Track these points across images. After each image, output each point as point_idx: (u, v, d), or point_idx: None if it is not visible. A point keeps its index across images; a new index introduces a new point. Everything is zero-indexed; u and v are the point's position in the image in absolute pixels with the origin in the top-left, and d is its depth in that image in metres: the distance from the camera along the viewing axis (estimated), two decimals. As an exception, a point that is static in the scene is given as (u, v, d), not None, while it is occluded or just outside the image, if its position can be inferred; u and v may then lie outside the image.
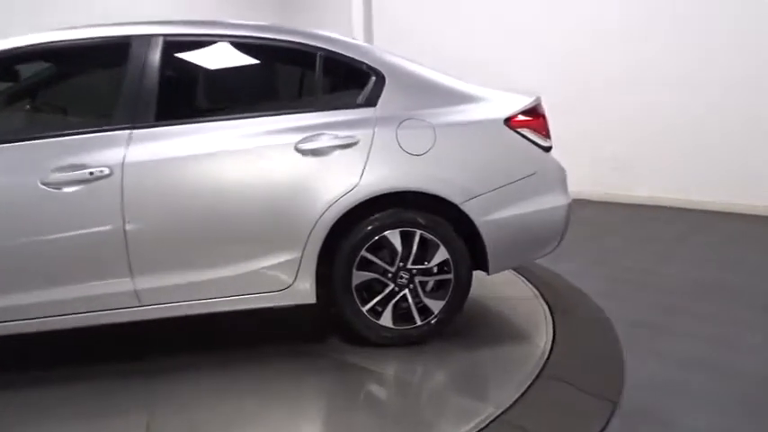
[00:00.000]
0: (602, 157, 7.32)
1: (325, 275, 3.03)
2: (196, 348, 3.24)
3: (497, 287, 3.98)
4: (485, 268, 3.17)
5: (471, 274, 3.16)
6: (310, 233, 2.88)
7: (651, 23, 6.90)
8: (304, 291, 2.95)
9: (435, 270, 3.12)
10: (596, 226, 6.04)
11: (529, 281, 4.15)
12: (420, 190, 2.95)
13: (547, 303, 3.78)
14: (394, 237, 3.01)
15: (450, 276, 3.11)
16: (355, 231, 2.98)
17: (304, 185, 2.86)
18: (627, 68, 7.09)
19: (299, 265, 2.91)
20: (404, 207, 3.03)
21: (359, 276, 3.02)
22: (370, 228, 2.98)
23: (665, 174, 7.00)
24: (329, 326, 3.44)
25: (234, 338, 3.39)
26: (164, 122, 2.82)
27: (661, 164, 7.02)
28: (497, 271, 3.19)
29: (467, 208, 3.00)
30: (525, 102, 3.17)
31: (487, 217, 3.04)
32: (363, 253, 2.99)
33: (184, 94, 3.10)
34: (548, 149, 3.19)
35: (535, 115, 3.18)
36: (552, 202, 3.18)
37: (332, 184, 2.88)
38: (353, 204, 2.89)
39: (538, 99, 3.24)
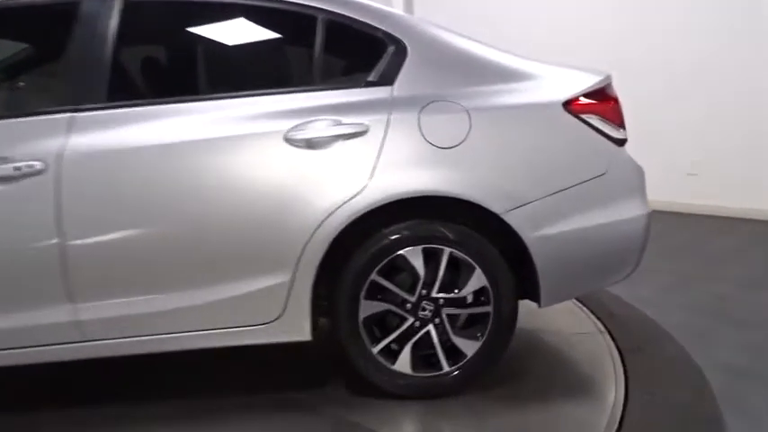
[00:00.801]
0: (677, 161, 6.35)
1: (323, 305, 2.34)
2: (163, 395, 2.58)
3: (549, 318, 3.20)
4: (535, 298, 2.41)
5: (517, 306, 2.41)
6: (303, 250, 2.18)
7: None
8: (295, 325, 2.26)
9: (469, 300, 2.38)
10: (671, 242, 5.16)
11: (591, 310, 3.34)
12: (449, 195, 2.22)
13: (614, 341, 2.98)
14: (414, 256, 2.28)
15: (489, 309, 2.36)
16: (363, 248, 2.27)
17: (296, 187, 2.18)
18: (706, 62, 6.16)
19: (289, 292, 2.22)
20: (428, 217, 2.31)
21: (368, 307, 2.31)
22: (383, 244, 2.26)
23: (753, 182, 6.00)
24: (330, 369, 2.73)
25: (211, 382, 2.71)
26: (116, 104, 2.18)
27: (749, 171, 6.02)
28: (552, 303, 2.43)
29: (512, 219, 2.26)
30: (591, 80, 2.41)
31: (540, 231, 2.28)
32: (374, 277, 2.28)
33: (145, 68, 2.45)
34: (621, 143, 2.41)
35: (604, 98, 2.41)
36: (627, 211, 2.40)
37: (332, 186, 2.19)
38: (361, 213, 2.19)
39: (608, 78, 2.47)
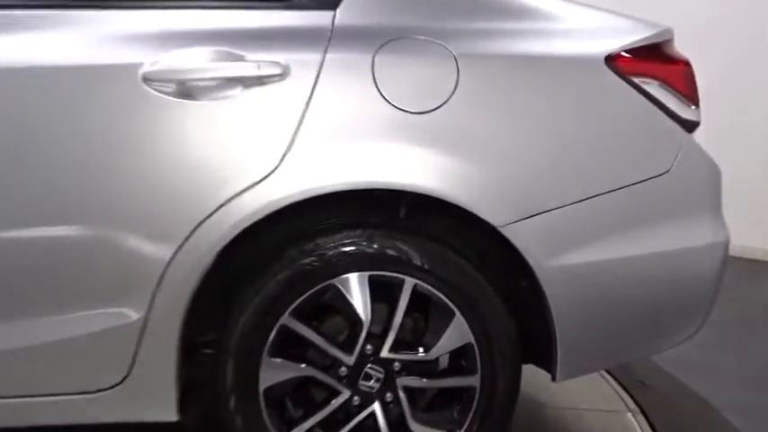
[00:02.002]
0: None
1: (203, 361, 1.44)
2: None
3: (559, 386, 2.26)
4: (548, 366, 1.51)
5: (519, 379, 1.50)
6: (166, 269, 1.29)
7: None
8: (151, 394, 1.36)
9: (442, 366, 1.48)
10: (735, 293, 4.19)
11: (615, 377, 2.41)
12: (417, 191, 1.34)
13: (650, 425, 2.07)
14: (355, 290, 1.38)
15: (475, 381, 1.45)
16: (270, 272, 1.37)
17: (154, 162, 1.29)
18: None
19: (141, 338, 1.31)
20: (380, 226, 1.42)
21: (275, 371, 1.40)
22: (302, 266, 1.36)
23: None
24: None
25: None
26: None
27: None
28: (574, 375, 1.54)
29: (517, 236, 1.37)
30: (647, 30, 1.54)
31: (560, 259, 1.40)
32: (286, 320, 1.37)
33: None
34: (691, 126, 1.54)
35: (667, 59, 1.55)
36: (696, 235, 1.52)
37: (219, 165, 1.30)
38: (265, 213, 1.30)
39: (668, 31, 1.60)
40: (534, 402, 2.14)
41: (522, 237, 1.38)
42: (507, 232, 1.37)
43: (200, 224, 1.29)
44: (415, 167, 1.35)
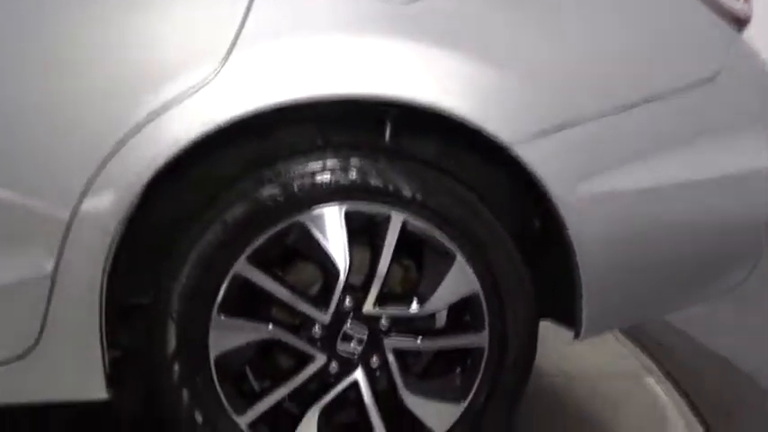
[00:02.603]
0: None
1: (133, 328, 1.14)
2: None
3: (562, 346, 1.99)
4: (570, 321, 1.23)
5: (536, 336, 1.22)
6: (79, 204, 0.98)
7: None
8: (69, 364, 1.06)
9: (441, 323, 1.20)
10: None
11: (636, 339, 2.12)
12: (402, 101, 1.03)
13: (682, 392, 1.80)
14: (328, 227, 1.08)
15: (482, 340, 1.17)
16: (217, 208, 1.07)
17: (46, 69, 0.98)
18: None
19: (51, 294, 1.01)
20: (357, 146, 1.12)
21: (228, 333, 1.10)
22: (258, 199, 1.06)
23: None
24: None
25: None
26: None
27: None
28: (603, 329, 1.27)
29: (535, 156, 1.07)
30: None
31: (589, 186, 1.11)
32: (240, 268, 1.07)
33: None
34: (741, 24, 1.25)
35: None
36: (749, 154, 1.24)
37: (137, 70, 0.99)
38: (202, 132, 0.99)
39: None
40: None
41: (539, 158, 1.08)
42: (521, 151, 1.07)
43: (114, 151, 0.98)
44: (401, 72, 1.04)
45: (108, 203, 0.99)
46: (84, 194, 0.98)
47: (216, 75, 0.99)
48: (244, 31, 0.99)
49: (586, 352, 1.92)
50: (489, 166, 1.19)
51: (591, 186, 1.11)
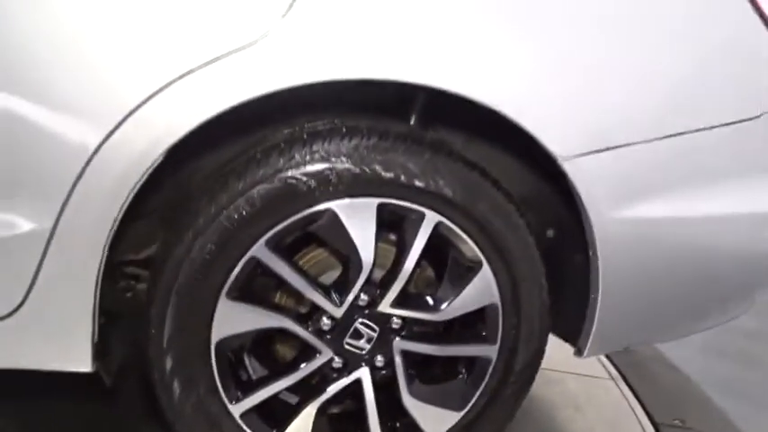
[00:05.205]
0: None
1: (129, 300, 1.05)
2: None
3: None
4: (574, 337, 1.21)
5: (542, 354, 1.19)
6: (85, 167, 0.86)
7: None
8: (56, 330, 0.95)
9: (455, 330, 1.15)
10: None
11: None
12: (468, 97, 0.95)
13: (637, 397, 1.86)
14: (358, 219, 1.00)
15: (490, 352, 1.13)
16: (242, 183, 0.96)
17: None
18: None
19: (45, 254, 0.89)
20: (401, 137, 1.03)
21: (235, 318, 1.01)
22: (290, 181, 0.96)
23: None
24: None
25: None
26: None
27: None
28: (606, 350, 1.28)
29: (580, 172, 1.02)
30: None
31: (625, 210, 1.07)
32: (259, 251, 0.98)
33: None
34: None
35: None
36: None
37: (178, 20, 0.87)
38: (245, 98, 0.88)
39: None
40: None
41: (586, 175, 1.03)
42: (569, 166, 1.02)
43: (141, 104, 0.86)
44: (447, 59, 0.95)
45: (132, 156, 0.88)
46: (103, 142, 0.86)
47: (263, 37, 0.87)
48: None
49: (550, 353, 1.94)
50: (528, 175, 1.13)
51: (628, 210, 1.08)
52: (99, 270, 0.93)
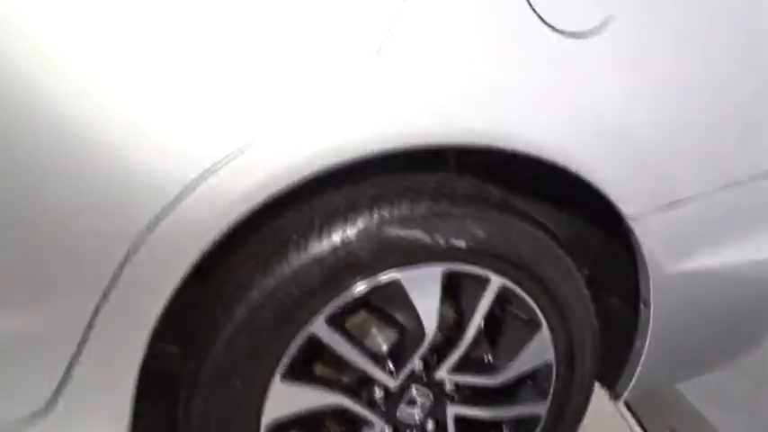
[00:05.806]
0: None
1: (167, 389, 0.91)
2: None
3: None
4: (608, 381, 1.19)
5: (588, 401, 1.16)
6: (135, 249, 0.72)
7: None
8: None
9: (507, 389, 1.09)
10: None
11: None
12: (539, 156, 0.86)
13: (632, 411, 1.88)
14: (423, 288, 0.91)
15: (541, 409, 1.09)
16: (298, 254, 0.85)
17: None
18: None
19: (82, 346, 0.76)
20: (470, 198, 0.94)
21: (288, 399, 0.91)
22: (353, 249, 0.85)
23: None
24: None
25: None
26: None
27: None
28: (641, 392, 1.24)
29: (646, 230, 0.97)
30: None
31: (682, 263, 1.03)
32: (319, 328, 0.87)
33: None
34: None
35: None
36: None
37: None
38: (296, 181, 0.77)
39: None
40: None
41: (651, 232, 0.98)
42: (637, 227, 0.96)
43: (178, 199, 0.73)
44: (549, 127, 0.87)
45: (169, 249, 0.75)
46: (157, 220, 0.72)
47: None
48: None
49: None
50: (570, 219, 1.08)
51: (686, 263, 1.04)
52: (138, 367, 0.80)
